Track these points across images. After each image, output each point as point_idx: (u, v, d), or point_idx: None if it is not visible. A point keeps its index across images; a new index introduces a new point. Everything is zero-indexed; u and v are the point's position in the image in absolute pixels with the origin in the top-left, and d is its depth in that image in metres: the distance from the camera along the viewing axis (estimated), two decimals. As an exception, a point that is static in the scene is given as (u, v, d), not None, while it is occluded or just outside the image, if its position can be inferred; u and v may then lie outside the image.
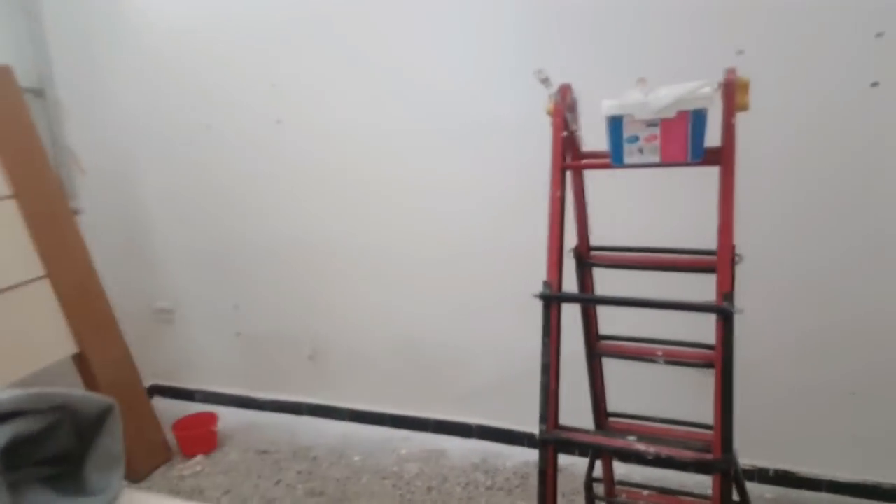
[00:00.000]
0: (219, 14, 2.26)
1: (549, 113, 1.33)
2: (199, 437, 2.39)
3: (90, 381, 2.15)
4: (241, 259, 2.55)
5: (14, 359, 1.90)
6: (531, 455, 2.17)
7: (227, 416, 2.56)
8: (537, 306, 1.22)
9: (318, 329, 2.51)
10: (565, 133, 1.29)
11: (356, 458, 2.29)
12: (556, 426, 1.19)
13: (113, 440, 0.59)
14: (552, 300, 1.20)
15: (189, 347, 2.80)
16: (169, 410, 2.54)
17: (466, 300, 2.22)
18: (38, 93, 2.35)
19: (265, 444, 2.42)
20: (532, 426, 2.25)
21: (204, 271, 2.65)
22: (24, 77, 2.19)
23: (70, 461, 0.58)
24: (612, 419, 1.55)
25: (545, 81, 1.30)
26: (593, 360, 1.49)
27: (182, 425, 2.43)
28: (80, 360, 2.13)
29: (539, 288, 1.22)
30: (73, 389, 0.57)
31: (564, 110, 1.33)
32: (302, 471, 2.23)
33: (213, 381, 2.80)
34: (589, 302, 1.46)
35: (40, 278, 2.01)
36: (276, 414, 2.65)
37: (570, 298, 1.34)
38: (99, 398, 0.58)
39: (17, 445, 0.51)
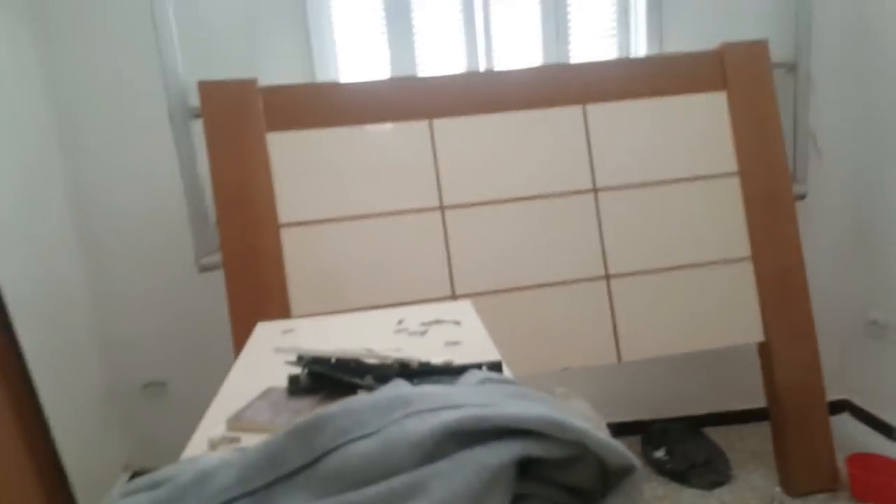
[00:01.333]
0: None
1: None
2: (877, 485, 1.93)
3: (769, 376, 2.06)
4: None
5: (701, 330, 2.01)
6: None
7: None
8: None
9: None
10: None
11: None
12: None
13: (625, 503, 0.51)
14: None
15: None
16: (852, 434, 2.15)
17: None
18: (791, 67, 2.22)
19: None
20: None
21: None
22: (779, 51, 2.12)
23: (588, 498, 0.55)
24: None
25: None
26: None
27: (857, 461, 2.03)
28: (764, 351, 2.06)
29: None
30: (597, 431, 0.52)
31: None
32: None
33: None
34: None
35: (744, 259, 2.03)
36: None
37: None
38: (621, 454, 0.51)
39: (534, 464, 0.51)
